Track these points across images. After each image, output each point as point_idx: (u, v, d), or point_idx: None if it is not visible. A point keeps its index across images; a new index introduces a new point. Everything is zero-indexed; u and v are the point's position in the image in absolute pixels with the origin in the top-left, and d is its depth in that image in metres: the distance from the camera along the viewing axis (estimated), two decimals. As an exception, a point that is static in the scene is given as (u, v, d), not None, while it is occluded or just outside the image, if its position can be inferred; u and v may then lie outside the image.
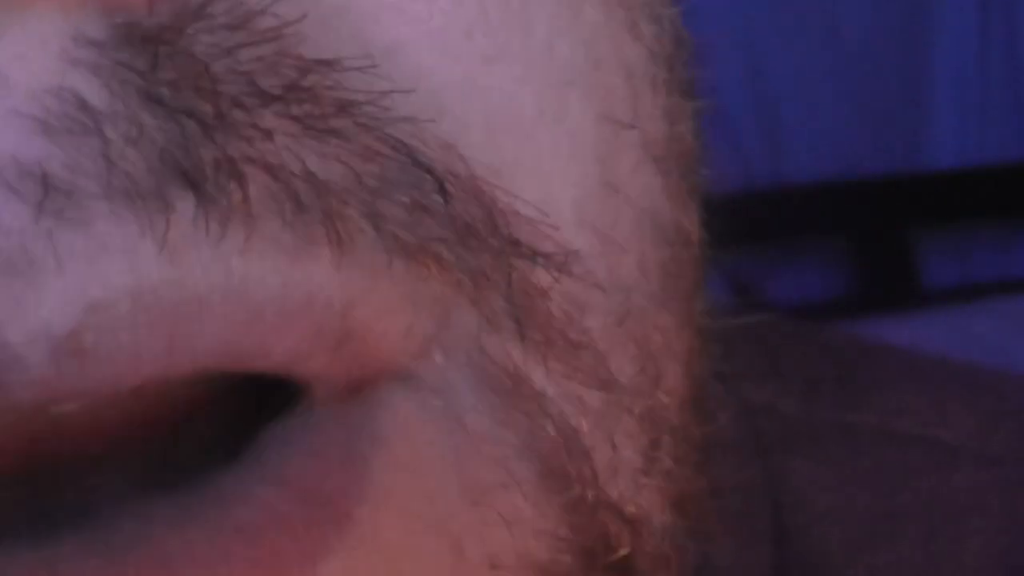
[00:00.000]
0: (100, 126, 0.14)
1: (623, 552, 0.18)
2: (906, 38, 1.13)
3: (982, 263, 1.17)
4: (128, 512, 0.15)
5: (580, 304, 0.18)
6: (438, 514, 0.17)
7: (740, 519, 0.27)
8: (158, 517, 0.15)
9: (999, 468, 0.29)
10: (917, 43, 1.13)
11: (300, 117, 0.15)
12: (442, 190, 0.16)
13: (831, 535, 0.28)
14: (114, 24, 0.15)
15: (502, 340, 0.17)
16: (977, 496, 0.29)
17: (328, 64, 0.16)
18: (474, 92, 0.17)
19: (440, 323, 0.17)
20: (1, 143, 0.14)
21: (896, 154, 1.13)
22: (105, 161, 0.14)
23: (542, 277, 0.17)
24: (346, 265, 0.16)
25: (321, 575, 0.16)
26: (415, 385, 0.17)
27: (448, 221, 0.16)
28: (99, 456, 0.16)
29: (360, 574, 0.16)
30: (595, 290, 0.18)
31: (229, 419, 0.16)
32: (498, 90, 0.17)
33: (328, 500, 0.16)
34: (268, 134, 0.15)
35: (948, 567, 0.28)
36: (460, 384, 0.17)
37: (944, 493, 0.29)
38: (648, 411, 0.19)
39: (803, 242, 1.11)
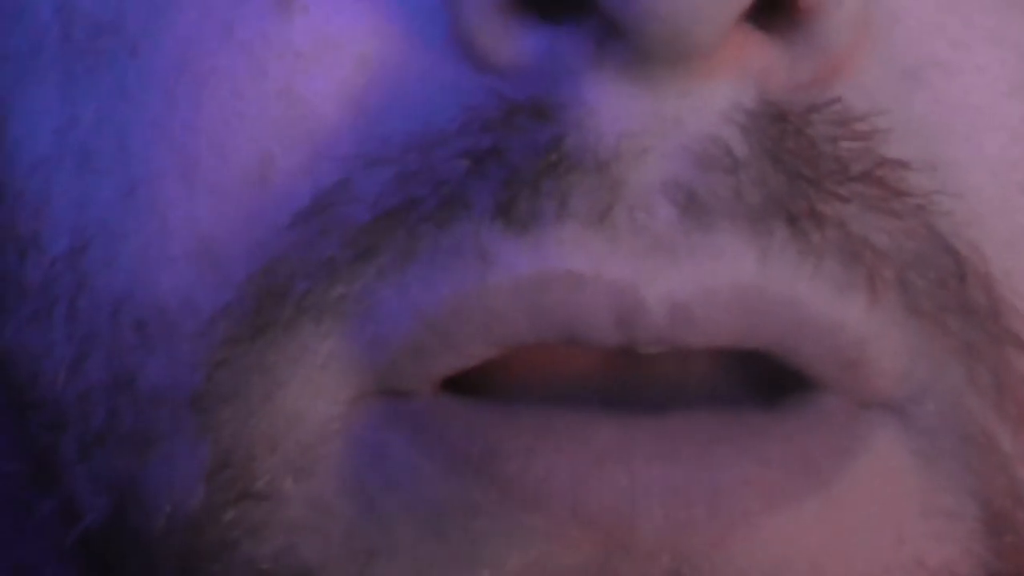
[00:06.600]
0: (737, 169, 0.21)
1: None
2: None
3: None
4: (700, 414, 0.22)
5: None
6: (890, 515, 0.22)
7: None
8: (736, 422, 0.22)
9: None
10: None
11: (869, 196, 0.21)
12: (961, 276, 0.22)
13: None
14: (764, 100, 0.21)
15: (983, 405, 0.22)
16: None
17: (900, 164, 0.22)
18: (1007, 212, 0.22)
19: (934, 377, 0.22)
20: (671, 164, 0.21)
21: None
22: (735, 192, 0.21)
23: None
24: (874, 311, 0.22)
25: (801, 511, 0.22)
26: (907, 421, 0.22)
27: (960, 300, 0.22)
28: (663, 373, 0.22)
29: (824, 522, 0.22)
30: None
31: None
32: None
33: (814, 460, 0.22)
34: (845, 200, 0.21)
35: None
36: (942, 430, 0.22)
37: None
38: None
39: None
